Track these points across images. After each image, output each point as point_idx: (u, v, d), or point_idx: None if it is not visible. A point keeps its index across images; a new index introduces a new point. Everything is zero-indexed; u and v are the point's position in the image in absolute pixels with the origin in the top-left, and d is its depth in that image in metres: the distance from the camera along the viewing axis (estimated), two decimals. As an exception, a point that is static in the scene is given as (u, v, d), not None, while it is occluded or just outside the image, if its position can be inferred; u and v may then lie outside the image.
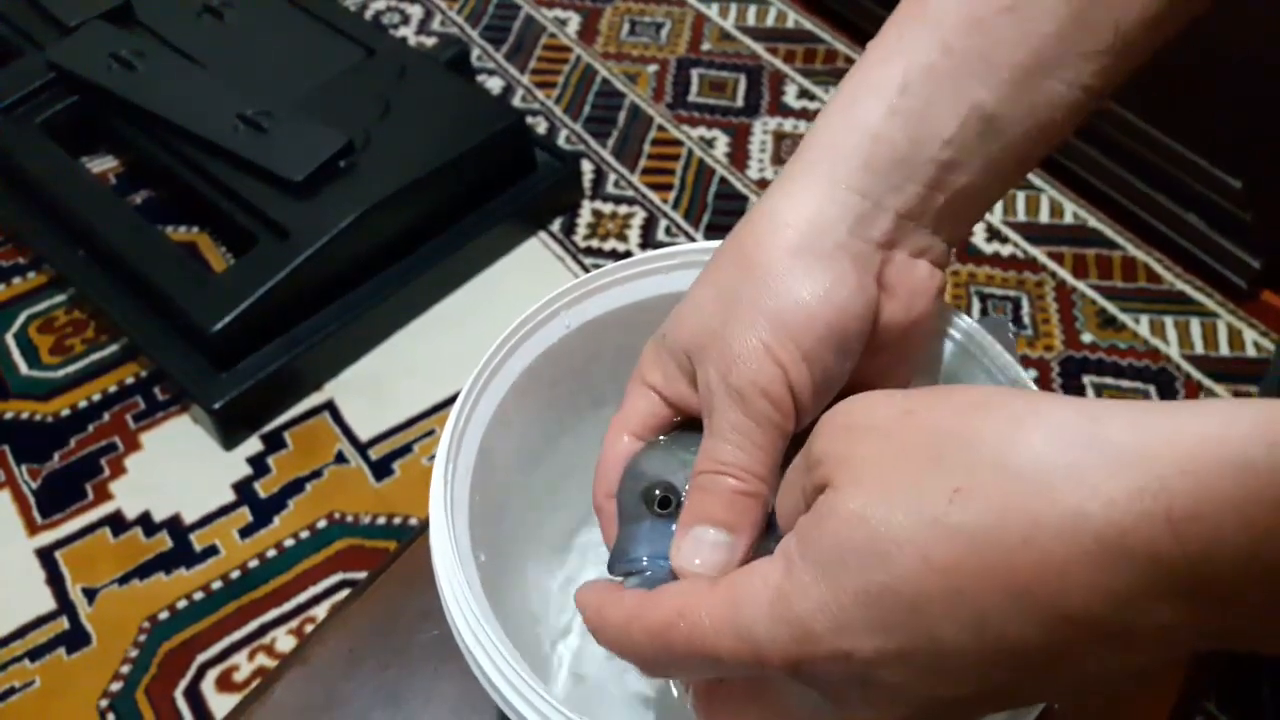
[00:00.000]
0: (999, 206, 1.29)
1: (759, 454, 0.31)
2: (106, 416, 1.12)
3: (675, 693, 0.31)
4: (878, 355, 0.33)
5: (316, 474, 1.07)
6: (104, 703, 0.93)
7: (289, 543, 1.02)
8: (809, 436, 0.28)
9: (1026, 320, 1.18)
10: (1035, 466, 0.24)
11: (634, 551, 0.32)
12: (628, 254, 1.25)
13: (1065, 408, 0.25)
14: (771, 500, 0.31)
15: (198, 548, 1.02)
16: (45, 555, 1.02)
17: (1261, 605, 0.22)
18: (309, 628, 0.96)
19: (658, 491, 0.32)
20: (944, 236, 0.34)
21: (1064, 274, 1.22)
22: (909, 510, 0.24)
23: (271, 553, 1.02)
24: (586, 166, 1.34)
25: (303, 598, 0.99)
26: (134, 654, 0.95)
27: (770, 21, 1.54)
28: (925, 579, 0.24)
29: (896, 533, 0.24)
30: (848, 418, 0.27)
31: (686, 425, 0.34)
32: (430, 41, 1.51)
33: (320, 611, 0.98)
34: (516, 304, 1.35)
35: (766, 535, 0.31)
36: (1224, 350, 1.15)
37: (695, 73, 1.47)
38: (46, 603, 0.99)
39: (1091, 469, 0.23)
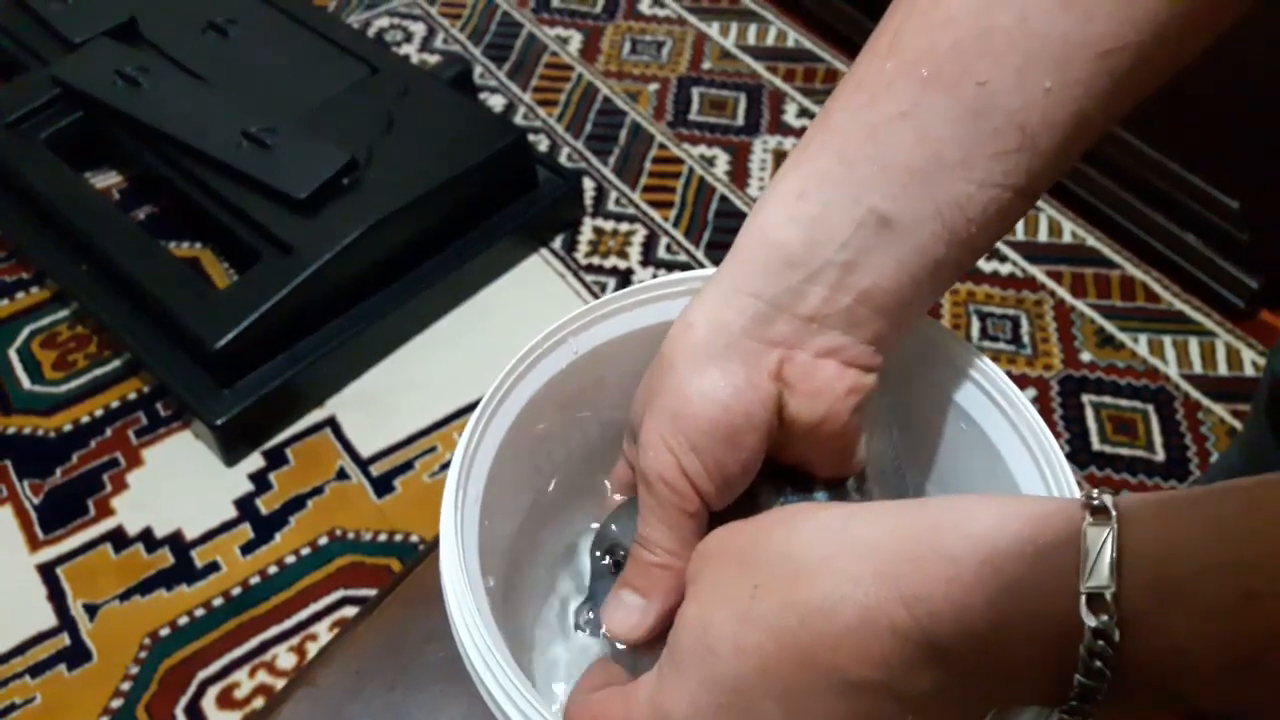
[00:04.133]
0: (998, 225, 1.29)
1: (667, 531, 0.34)
2: (109, 432, 1.12)
3: None
4: (797, 444, 0.35)
5: (318, 490, 1.08)
6: (105, 719, 0.93)
7: (290, 559, 1.02)
8: None
9: (1025, 339, 1.19)
10: (804, 560, 0.29)
11: (601, 601, 0.37)
12: (629, 271, 1.26)
13: (831, 511, 0.30)
14: (684, 570, 0.35)
15: (199, 564, 1.02)
16: (47, 571, 1.02)
17: (984, 666, 0.26)
18: (310, 645, 0.97)
19: (616, 551, 0.37)
20: (862, 338, 0.34)
21: (1063, 293, 1.23)
22: (725, 610, 0.30)
23: (273, 569, 1.02)
24: (588, 184, 1.35)
25: (304, 615, 0.99)
26: (135, 670, 0.95)
27: (770, 40, 1.55)
28: (740, 663, 0.29)
29: (718, 629, 0.29)
30: (699, 549, 0.33)
31: None
32: (433, 59, 1.52)
33: (321, 629, 0.98)
34: (518, 321, 1.34)
35: None
36: (1222, 369, 1.15)
37: (696, 91, 1.48)
38: (48, 619, 0.99)
39: (842, 559, 0.28)
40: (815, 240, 0.33)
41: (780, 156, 1.38)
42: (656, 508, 0.34)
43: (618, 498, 0.40)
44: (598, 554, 0.38)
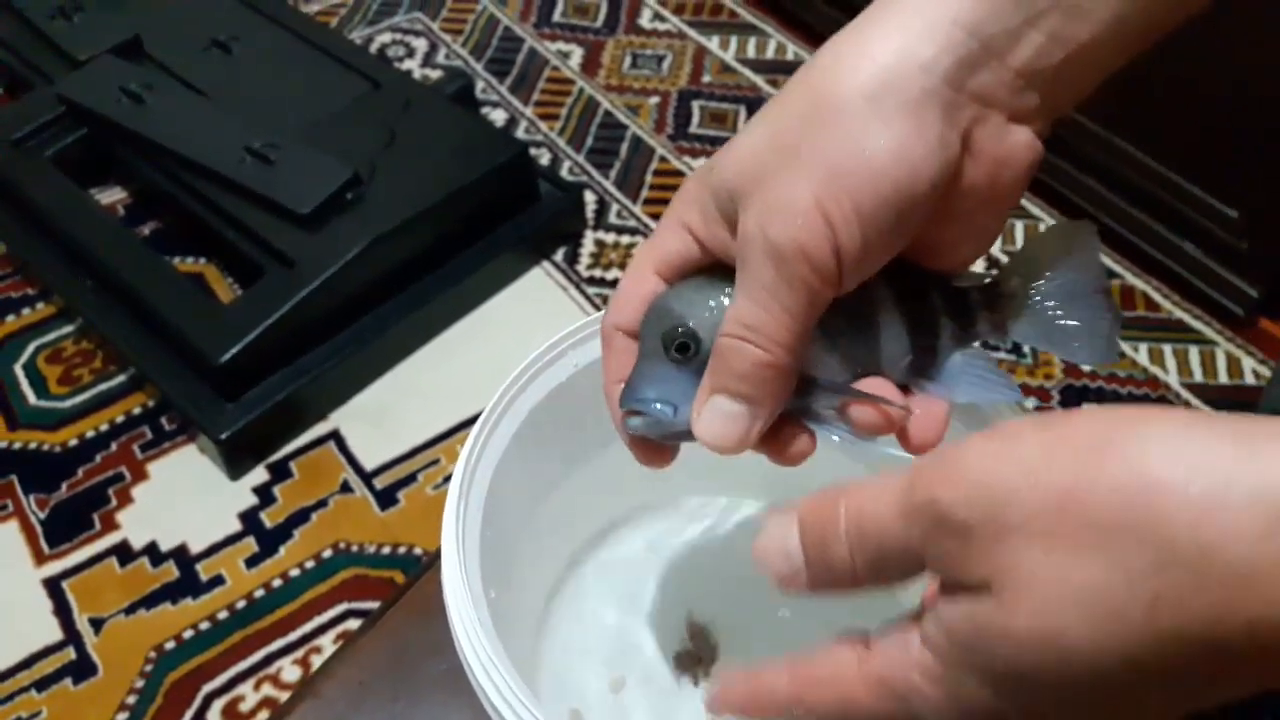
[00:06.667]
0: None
1: (787, 320, 0.28)
2: (114, 446, 1.13)
3: None
4: (944, 225, 0.30)
5: (322, 504, 1.08)
6: (110, 733, 0.93)
7: (294, 572, 1.03)
8: (915, 492, 0.24)
9: (1026, 349, 1.19)
10: (1231, 558, 0.20)
11: (643, 391, 0.32)
12: (630, 283, 1.26)
13: (1251, 474, 0.21)
14: (797, 368, 0.29)
15: (204, 578, 1.03)
16: (52, 585, 1.03)
17: None
18: (314, 658, 0.97)
19: (680, 332, 0.31)
20: (1053, 106, 0.29)
21: (1063, 302, 1.23)
22: (1099, 635, 0.22)
23: (277, 582, 1.02)
24: (589, 197, 1.35)
25: (308, 627, 0.99)
26: (140, 684, 0.96)
27: (770, 54, 1.56)
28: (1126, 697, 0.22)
29: (1082, 657, 0.22)
30: (990, 517, 0.23)
31: (723, 266, 0.32)
32: (435, 74, 1.53)
33: (326, 641, 0.98)
34: (520, 333, 1.34)
35: (799, 397, 0.30)
36: (1223, 378, 1.15)
37: (696, 104, 1.48)
38: (53, 633, 0.99)
39: None
40: None
41: (781, 168, 1.39)
42: (781, 290, 0.28)
43: (651, 277, 0.32)
44: (654, 336, 0.31)
